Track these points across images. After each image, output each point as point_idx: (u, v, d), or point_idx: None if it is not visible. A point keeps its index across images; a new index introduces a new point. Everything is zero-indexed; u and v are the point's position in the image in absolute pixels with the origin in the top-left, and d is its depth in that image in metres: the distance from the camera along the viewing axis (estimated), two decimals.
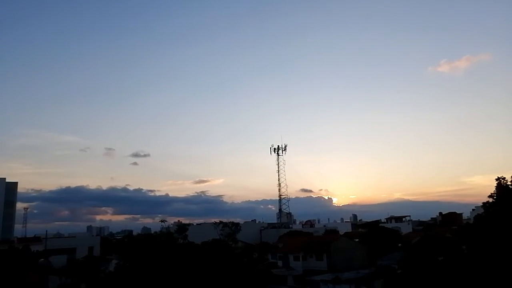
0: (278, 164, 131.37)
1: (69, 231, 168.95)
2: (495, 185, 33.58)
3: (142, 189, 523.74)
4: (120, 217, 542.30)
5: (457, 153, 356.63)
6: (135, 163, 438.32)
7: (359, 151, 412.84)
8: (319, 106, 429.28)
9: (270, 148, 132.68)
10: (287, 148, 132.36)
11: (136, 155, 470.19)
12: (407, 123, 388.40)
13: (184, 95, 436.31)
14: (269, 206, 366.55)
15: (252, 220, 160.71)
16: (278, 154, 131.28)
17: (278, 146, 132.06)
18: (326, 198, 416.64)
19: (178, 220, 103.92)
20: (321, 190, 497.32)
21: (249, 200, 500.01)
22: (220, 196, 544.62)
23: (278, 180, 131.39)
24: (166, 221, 46.73)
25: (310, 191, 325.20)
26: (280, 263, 65.79)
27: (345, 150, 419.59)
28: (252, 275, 40.05)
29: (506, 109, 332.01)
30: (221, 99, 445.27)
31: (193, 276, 35.07)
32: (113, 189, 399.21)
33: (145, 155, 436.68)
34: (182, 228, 47.43)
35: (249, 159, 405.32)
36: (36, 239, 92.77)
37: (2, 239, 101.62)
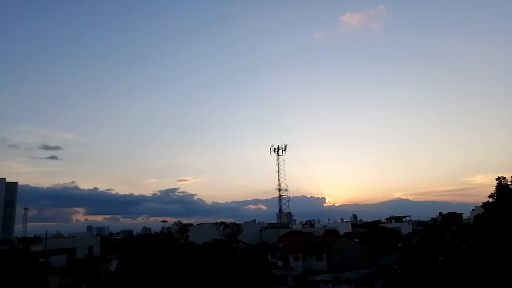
0: (278, 164, 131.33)
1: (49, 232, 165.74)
2: (495, 185, 33.61)
3: (97, 188, 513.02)
4: (98, 217, 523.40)
5: (458, 152, 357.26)
6: (53, 157, 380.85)
7: (355, 150, 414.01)
8: (314, 103, 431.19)
9: (270, 148, 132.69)
10: (287, 148, 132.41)
11: (46, 147, 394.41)
12: (407, 122, 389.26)
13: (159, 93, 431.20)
14: (260, 205, 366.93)
15: (252, 220, 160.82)
16: (278, 154, 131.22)
17: (278, 146, 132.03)
18: (320, 197, 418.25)
19: (178, 220, 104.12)
20: (298, 188, 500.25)
21: (238, 201, 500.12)
22: (193, 195, 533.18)
23: (278, 180, 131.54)
24: (167, 221, 46.87)
25: (286, 190, 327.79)
26: (280, 263, 65.70)
27: (340, 149, 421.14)
28: (252, 275, 40.04)
29: (508, 106, 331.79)
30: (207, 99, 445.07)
31: (194, 277, 35.06)
32: (64, 188, 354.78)
33: (57, 148, 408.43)
34: (183, 228, 47.53)
35: (237, 157, 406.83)
36: (36, 239, 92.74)
37: (2, 239, 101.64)
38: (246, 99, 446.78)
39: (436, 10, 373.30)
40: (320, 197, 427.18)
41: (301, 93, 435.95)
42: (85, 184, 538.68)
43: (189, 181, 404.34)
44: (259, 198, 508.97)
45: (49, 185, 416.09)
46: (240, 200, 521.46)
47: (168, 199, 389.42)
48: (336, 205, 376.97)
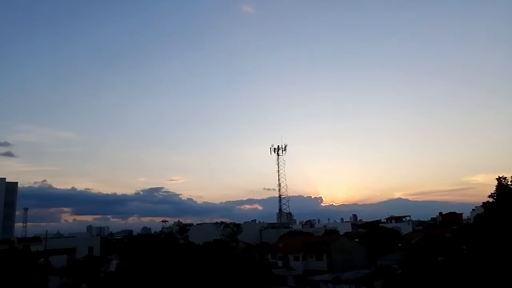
0: (278, 164, 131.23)
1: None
2: (496, 184, 33.61)
3: (75, 187, 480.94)
4: (87, 217, 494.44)
5: (459, 151, 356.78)
6: (7, 154, 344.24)
7: (354, 150, 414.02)
8: (311, 103, 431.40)
9: (270, 148, 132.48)
10: (287, 148, 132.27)
11: None
12: (407, 121, 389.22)
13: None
14: (256, 205, 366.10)
15: (252, 220, 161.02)
16: (278, 154, 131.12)
17: (278, 146, 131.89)
18: (317, 197, 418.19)
19: (178, 220, 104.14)
20: (287, 188, 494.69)
21: (231, 201, 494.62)
22: (178, 194, 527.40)
23: (278, 180, 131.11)
24: (167, 221, 46.79)
25: (274, 190, 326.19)
26: (280, 263, 65.78)
27: (339, 148, 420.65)
28: (252, 275, 40.06)
29: (510, 104, 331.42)
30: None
31: (194, 276, 35.07)
32: (39, 188, 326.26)
33: (6, 144, 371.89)
34: (183, 228, 47.45)
35: (228, 157, 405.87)
36: (36, 239, 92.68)
37: (2, 239, 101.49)
38: (239, 100, 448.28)
39: None
40: (317, 196, 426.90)
41: (298, 92, 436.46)
42: (58, 183, 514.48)
43: (178, 181, 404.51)
44: (254, 198, 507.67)
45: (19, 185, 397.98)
46: (233, 200, 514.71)
47: (154, 199, 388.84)
48: (334, 204, 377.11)
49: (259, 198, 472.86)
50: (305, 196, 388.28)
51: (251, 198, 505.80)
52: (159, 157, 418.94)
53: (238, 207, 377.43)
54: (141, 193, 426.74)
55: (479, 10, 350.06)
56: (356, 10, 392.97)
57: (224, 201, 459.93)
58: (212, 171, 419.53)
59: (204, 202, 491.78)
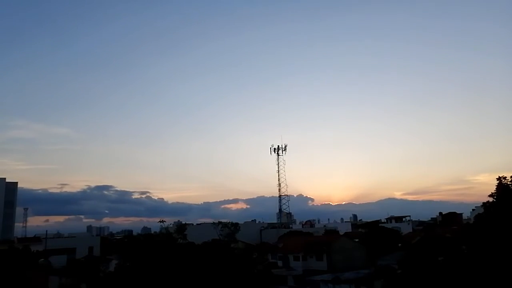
0: (278, 164, 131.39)
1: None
2: (496, 184, 33.56)
3: (22, 187, 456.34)
4: (59, 218, 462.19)
5: (461, 150, 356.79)
6: None
7: (354, 150, 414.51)
8: (310, 102, 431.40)
9: (270, 148, 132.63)
10: (287, 148, 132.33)
11: None
12: (408, 121, 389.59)
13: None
14: (241, 205, 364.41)
15: (252, 220, 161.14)
16: (278, 154, 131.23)
17: (278, 146, 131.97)
18: (313, 197, 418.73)
19: (178, 220, 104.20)
20: (286, 186, 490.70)
21: (211, 201, 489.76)
22: (132, 192, 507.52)
23: (278, 180, 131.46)
24: (165, 221, 46.67)
25: (239, 190, 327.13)
26: (280, 263, 65.75)
27: (338, 148, 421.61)
28: (252, 275, 40.01)
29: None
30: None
31: (193, 277, 35.05)
32: None
33: None
34: (181, 228, 47.40)
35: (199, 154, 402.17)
36: (36, 239, 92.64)
37: (2, 239, 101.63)
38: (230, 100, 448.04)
39: None
40: (309, 196, 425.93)
41: (298, 91, 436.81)
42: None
43: (142, 179, 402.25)
44: (241, 198, 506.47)
45: None
46: (211, 201, 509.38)
47: (108, 198, 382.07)
48: (332, 204, 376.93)
49: (245, 198, 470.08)
50: (295, 195, 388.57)
51: (236, 198, 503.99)
52: (104, 153, 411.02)
53: (222, 206, 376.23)
54: (88, 191, 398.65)
55: (477, 12, 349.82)
56: (356, 12, 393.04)
57: (201, 202, 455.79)
58: (168, 169, 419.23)
59: (176, 202, 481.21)
